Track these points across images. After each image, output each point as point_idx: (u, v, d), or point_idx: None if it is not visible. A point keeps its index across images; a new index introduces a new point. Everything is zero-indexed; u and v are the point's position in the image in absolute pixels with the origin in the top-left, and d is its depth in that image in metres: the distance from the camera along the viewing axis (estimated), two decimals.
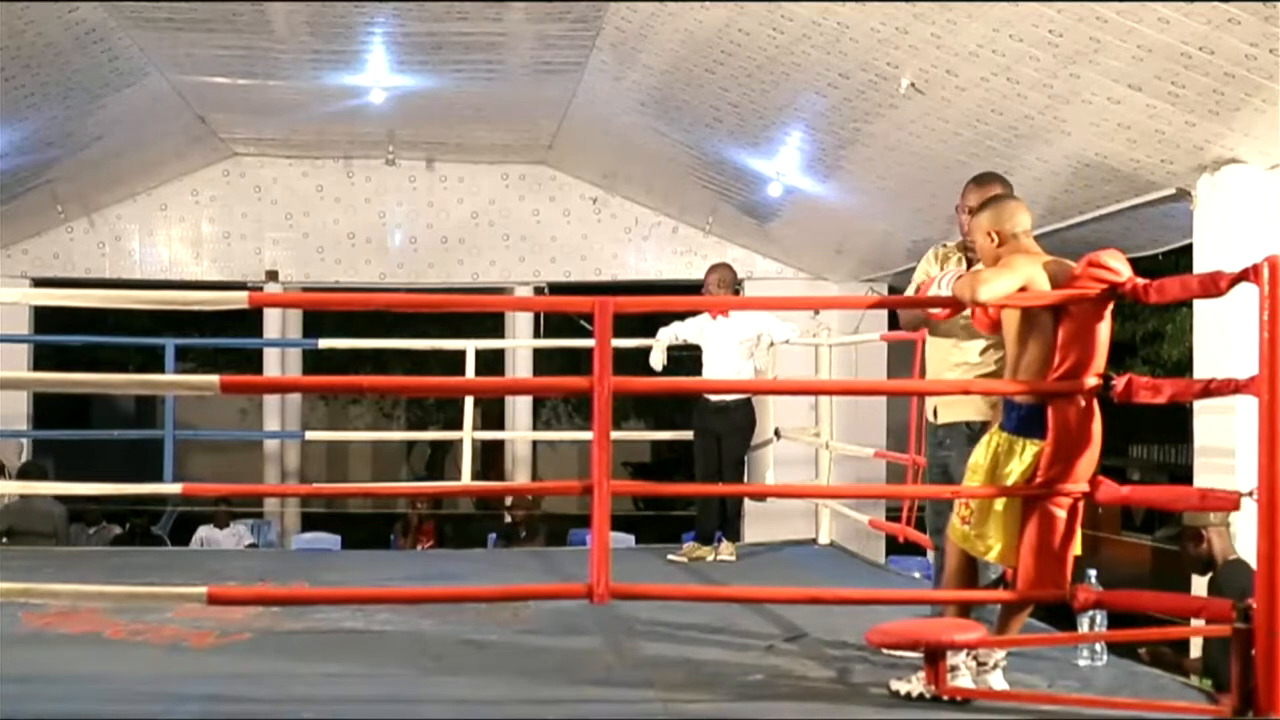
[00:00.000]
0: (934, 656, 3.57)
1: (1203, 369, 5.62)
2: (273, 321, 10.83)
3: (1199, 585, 5.02)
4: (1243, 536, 4.61)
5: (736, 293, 7.72)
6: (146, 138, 9.39)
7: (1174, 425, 12.25)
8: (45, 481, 8.24)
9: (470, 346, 7.69)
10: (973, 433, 4.20)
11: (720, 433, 6.72)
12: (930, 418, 4.51)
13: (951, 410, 4.36)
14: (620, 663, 4.30)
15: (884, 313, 10.29)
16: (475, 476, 9.96)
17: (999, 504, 3.69)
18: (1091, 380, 3.55)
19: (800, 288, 10.67)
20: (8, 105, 7.38)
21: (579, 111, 8.88)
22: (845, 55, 6.14)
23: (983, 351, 4.26)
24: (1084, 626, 4.05)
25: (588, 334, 3.80)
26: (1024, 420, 3.64)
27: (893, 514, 7.93)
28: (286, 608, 4.88)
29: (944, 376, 4.36)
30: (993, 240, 3.77)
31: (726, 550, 6.69)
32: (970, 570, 3.90)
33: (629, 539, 9.04)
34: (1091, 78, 5.32)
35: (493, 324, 11.43)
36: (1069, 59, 5.24)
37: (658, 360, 6.84)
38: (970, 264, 4.27)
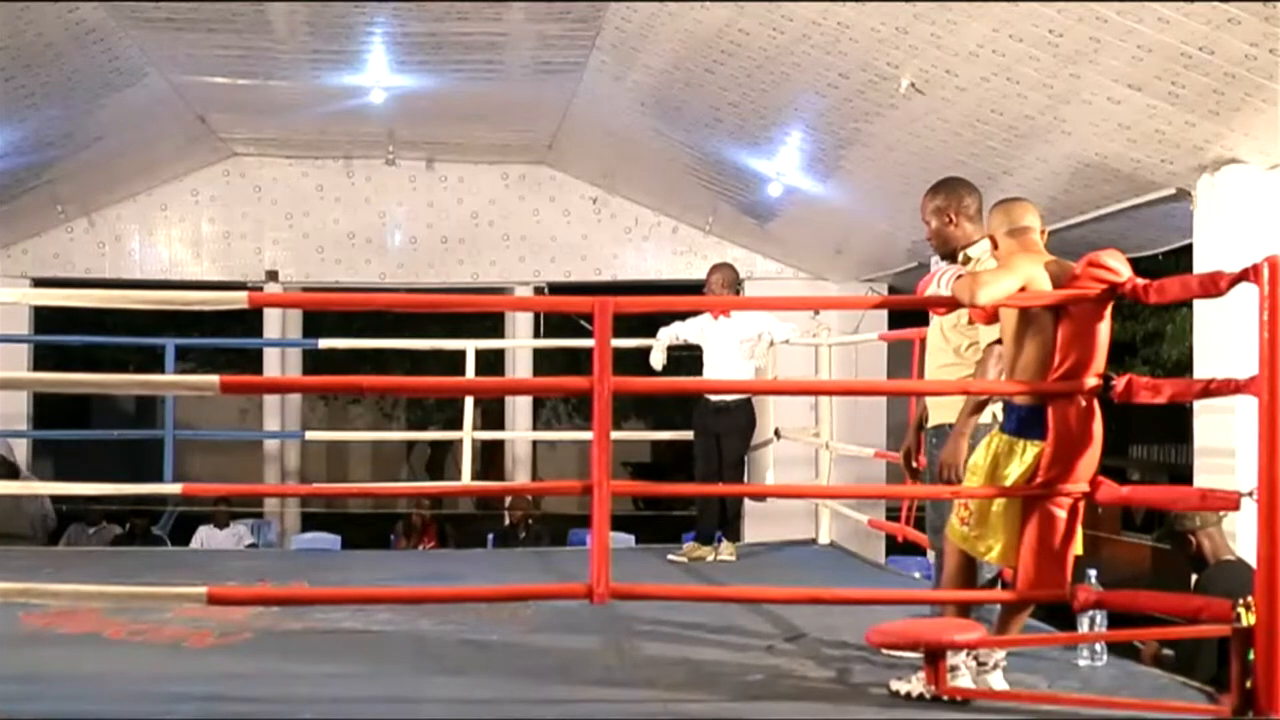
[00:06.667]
0: (934, 656, 3.57)
1: (1203, 369, 5.62)
2: (273, 321, 10.83)
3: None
4: (1243, 536, 4.61)
5: (738, 293, 7.71)
6: (146, 138, 9.39)
7: (1174, 425, 12.24)
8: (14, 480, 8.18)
9: (470, 346, 7.69)
10: None
11: (720, 433, 6.72)
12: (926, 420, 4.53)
13: (937, 413, 4.37)
14: (620, 663, 4.30)
15: (884, 313, 10.31)
16: (475, 476, 9.95)
17: (997, 504, 3.69)
18: (1091, 380, 3.55)
19: (800, 288, 10.66)
20: (8, 105, 7.38)
21: (579, 111, 8.88)
22: (845, 55, 6.14)
23: (966, 349, 4.24)
24: (1084, 626, 4.04)
25: (588, 334, 3.79)
26: (1024, 421, 3.64)
27: (893, 514, 7.93)
28: (286, 608, 4.88)
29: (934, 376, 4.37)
30: (1011, 238, 3.76)
31: (726, 550, 6.69)
32: (970, 571, 3.89)
33: (629, 539, 9.03)
34: (1091, 78, 5.31)
35: (493, 324, 11.44)
36: (1069, 59, 5.24)
37: (658, 360, 6.85)
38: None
